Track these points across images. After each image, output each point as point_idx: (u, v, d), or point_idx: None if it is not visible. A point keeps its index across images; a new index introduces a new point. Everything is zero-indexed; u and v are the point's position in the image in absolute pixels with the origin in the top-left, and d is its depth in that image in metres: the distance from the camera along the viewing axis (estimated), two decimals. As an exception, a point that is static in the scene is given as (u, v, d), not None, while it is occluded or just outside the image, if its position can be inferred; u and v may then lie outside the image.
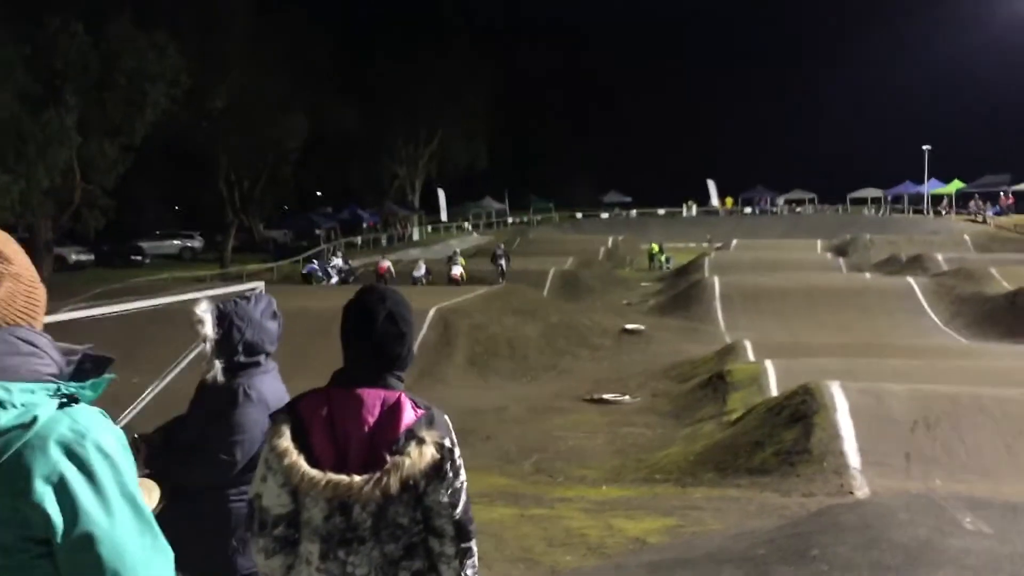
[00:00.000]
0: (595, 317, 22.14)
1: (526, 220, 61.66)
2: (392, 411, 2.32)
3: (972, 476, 8.19)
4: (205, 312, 3.29)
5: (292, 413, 2.37)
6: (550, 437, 11.86)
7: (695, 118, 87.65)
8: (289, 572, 2.35)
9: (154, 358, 11.15)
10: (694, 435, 11.11)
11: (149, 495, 2.99)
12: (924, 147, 54.88)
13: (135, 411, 9.14)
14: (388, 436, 2.29)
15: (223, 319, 3.30)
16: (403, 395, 2.36)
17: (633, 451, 10.98)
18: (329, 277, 32.60)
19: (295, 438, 2.30)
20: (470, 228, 57.73)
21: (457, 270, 30.51)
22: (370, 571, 2.29)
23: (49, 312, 1.61)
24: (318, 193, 58.99)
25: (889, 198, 61.54)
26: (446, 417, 2.39)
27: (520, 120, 69.24)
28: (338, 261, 34.56)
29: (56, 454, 1.33)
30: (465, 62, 55.28)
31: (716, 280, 26.28)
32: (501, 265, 31.57)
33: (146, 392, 9.54)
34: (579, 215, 63.23)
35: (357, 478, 2.24)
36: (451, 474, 2.31)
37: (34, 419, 1.34)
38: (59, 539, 1.33)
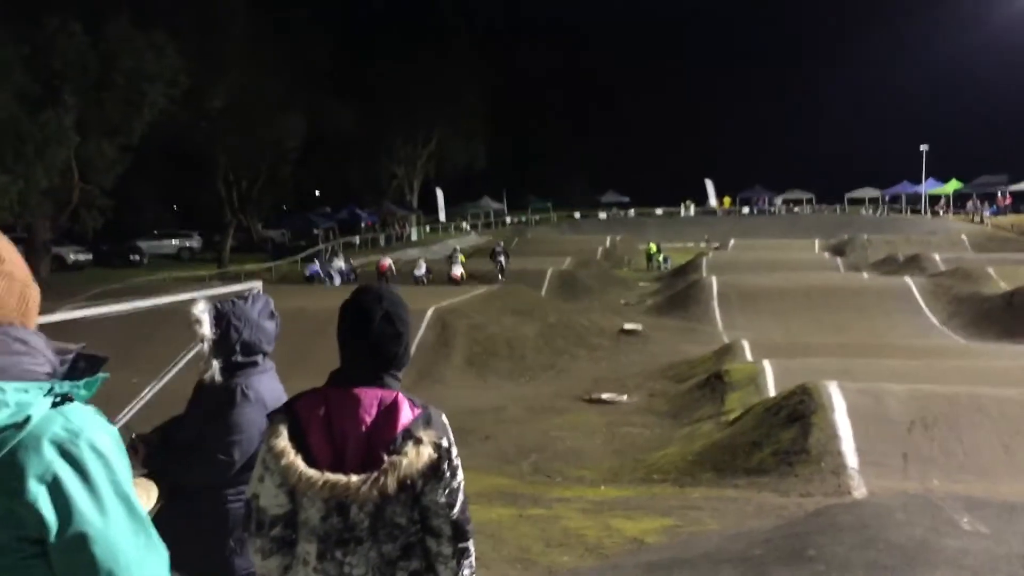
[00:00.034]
0: (593, 317, 22.13)
1: (524, 220, 61.63)
2: (389, 411, 2.31)
3: (969, 476, 8.20)
4: (203, 312, 3.28)
5: (289, 413, 2.36)
6: (548, 437, 11.86)
7: (695, 118, 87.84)
8: (286, 572, 2.35)
9: (152, 358, 11.18)
10: (692, 435, 11.11)
11: (147, 495, 2.98)
12: (922, 147, 54.96)
13: (133, 411, 9.16)
14: (385, 436, 2.28)
15: (221, 319, 3.30)
16: (400, 395, 2.36)
17: (631, 451, 10.99)
18: (331, 279, 31.98)
19: (292, 438, 2.30)
20: (468, 228, 57.71)
21: (458, 270, 30.50)
22: (367, 571, 2.29)
23: (47, 312, 1.61)
24: (316, 193, 58.96)
25: (887, 198, 61.56)
26: (444, 417, 2.38)
27: (519, 120, 69.16)
28: (340, 263, 33.99)
29: (50, 453, 1.33)
30: (465, 62, 55.23)
31: (714, 280, 26.28)
32: (500, 263, 31.65)
33: (144, 392, 9.56)
34: (577, 215, 63.13)
35: (354, 478, 2.23)
36: (448, 474, 2.31)
37: (27, 418, 1.33)
38: (53, 539, 1.32)
